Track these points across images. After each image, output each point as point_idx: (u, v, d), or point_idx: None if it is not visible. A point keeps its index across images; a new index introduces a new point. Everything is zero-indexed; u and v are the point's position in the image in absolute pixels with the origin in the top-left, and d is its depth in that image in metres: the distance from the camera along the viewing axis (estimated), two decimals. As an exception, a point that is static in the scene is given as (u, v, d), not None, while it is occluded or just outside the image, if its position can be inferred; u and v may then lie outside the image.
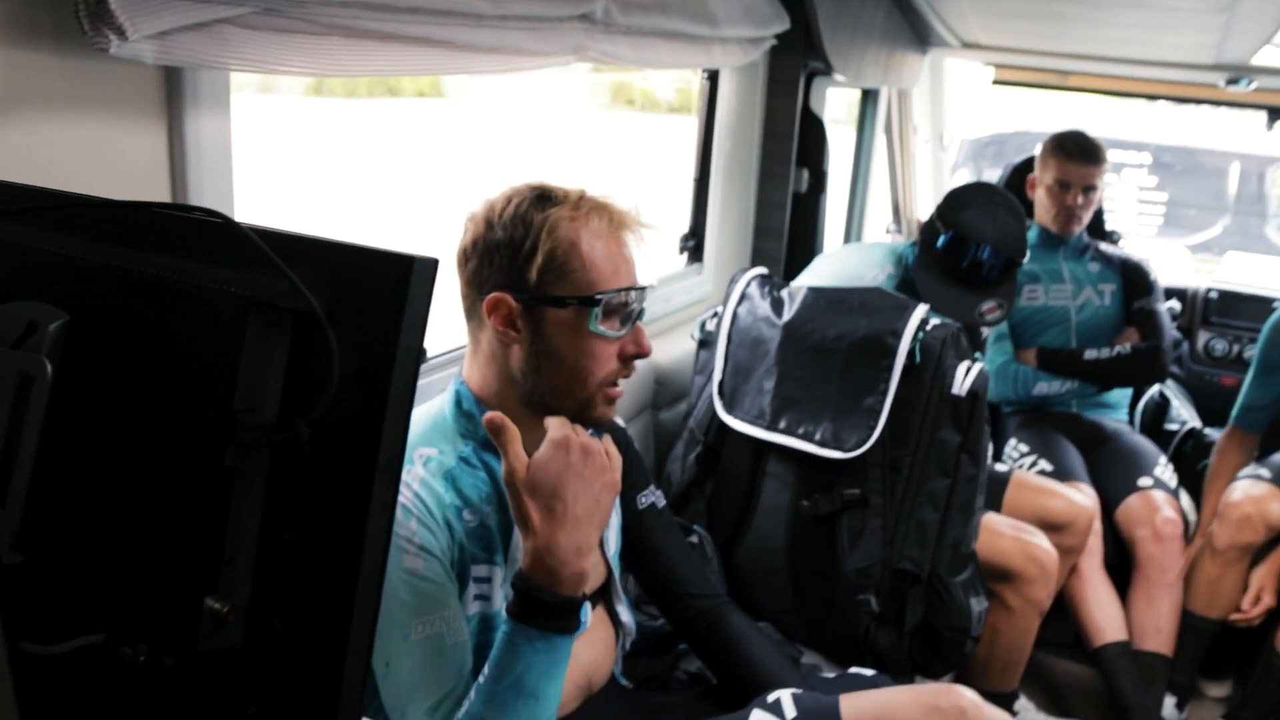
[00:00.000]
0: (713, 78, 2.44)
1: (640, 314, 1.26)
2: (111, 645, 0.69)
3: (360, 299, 0.63)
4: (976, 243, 2.10)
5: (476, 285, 1.23)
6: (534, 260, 1.18)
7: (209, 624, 0.65)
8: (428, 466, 1.20)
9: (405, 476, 1.17)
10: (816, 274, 2.34)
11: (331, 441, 0.64)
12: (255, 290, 0.64)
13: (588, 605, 1.37)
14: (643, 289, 1.25)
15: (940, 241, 2.14)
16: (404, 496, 1.16)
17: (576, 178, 1.28)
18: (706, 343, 2.01)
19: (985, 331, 2.44)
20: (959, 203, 2.17)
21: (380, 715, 1.17)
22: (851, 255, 2.44)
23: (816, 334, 1.82)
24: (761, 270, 2.03)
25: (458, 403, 1.27)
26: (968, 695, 1.31)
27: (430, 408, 1.30)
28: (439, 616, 1.14)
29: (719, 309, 2.00)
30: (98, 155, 1.10)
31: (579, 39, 1.67)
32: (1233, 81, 2.92)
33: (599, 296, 1.20)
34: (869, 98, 3.34)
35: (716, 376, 1.93)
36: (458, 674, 1.15)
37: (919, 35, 3.20)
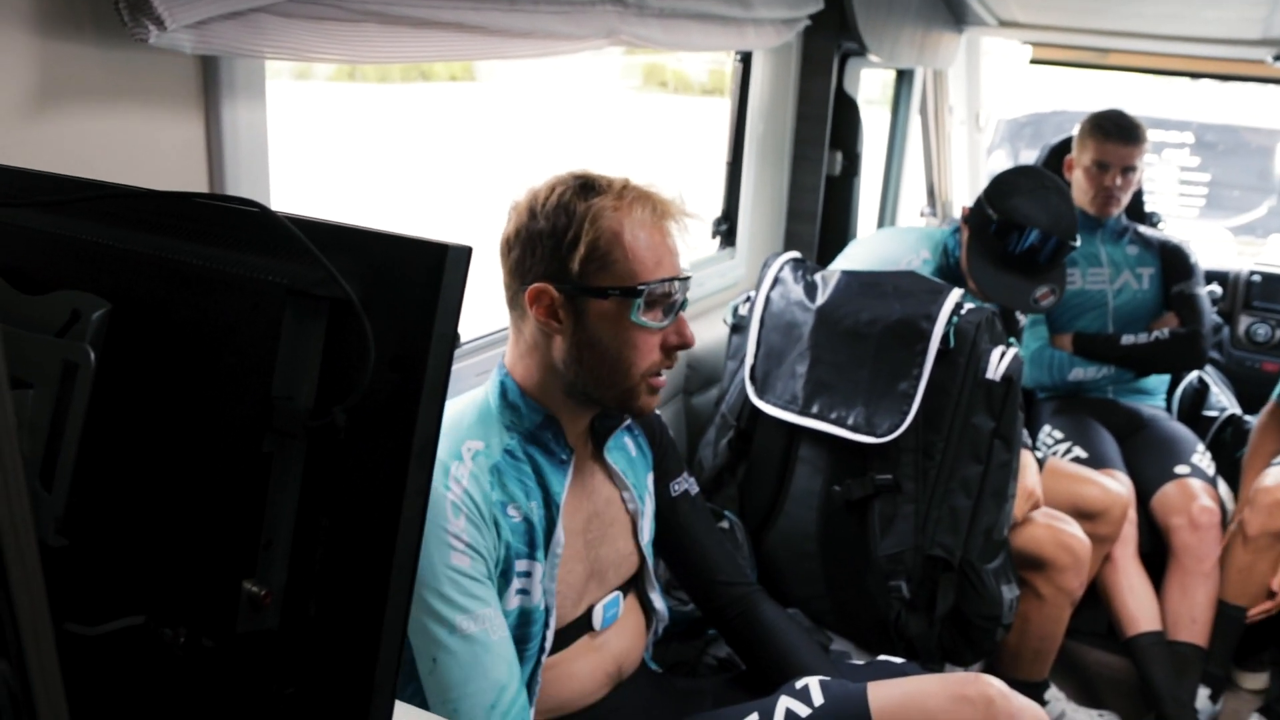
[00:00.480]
0: (746, 60, 2.42)
1: (683, 304, 1.25)
2: (152, 627, 0.71)
3: (395, 287, 0.64)
4: (1031, 228, 2.08)
5: (519, 275, 1.22)
6: (576, 250, 1.17)
7: (247, 607, 0.67)
8: (476, 461, 1.20)
9: (455, 471, 1.17)
10: (851, 259, 2.33)
11: (367, 428, 0.64)
12: (292, 279, 0.65)
13: (619, 595, 1.38)
14: (686, 279, 1.24)
15: (993, 228, 2.11)
16: (454, 493, 1.16)
17: (610, 160, 1.28)
18: (739, 327, 2.01)
19: (1021, 319, 2.43)
20: (1009, 188, 2.14)
21: (414, 701, 1.18)
22: (887, 240, 2.42)
23: (850, 318, 1.81)
24: (795, 254, 2.02)
25: (503, 393, 1.27)
26: (995, 684, 1.30)
27: (475, 397, 1.29)
28: (483, 614, 1.15)
29: (752, 293, 2.00)
30: (137, 144, 1.11)
31: (612, 22, 1.66)
32: (1280, 57, 2.85)
33: (641, 287, 1.19)
34: (904, 78, 3.31)
35: (749, 361, 1.93)
36: (509, 669, 1.16)
37: (955, 14, 3.15)
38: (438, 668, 1.13)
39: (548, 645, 1.27)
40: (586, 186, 1.20)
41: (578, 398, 1.26)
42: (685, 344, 1.25)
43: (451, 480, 1.17)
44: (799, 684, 1.30)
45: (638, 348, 1.21)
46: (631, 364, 1.22)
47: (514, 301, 1.25)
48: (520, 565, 1.22)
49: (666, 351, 1.24)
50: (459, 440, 1.21)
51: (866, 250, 2.35)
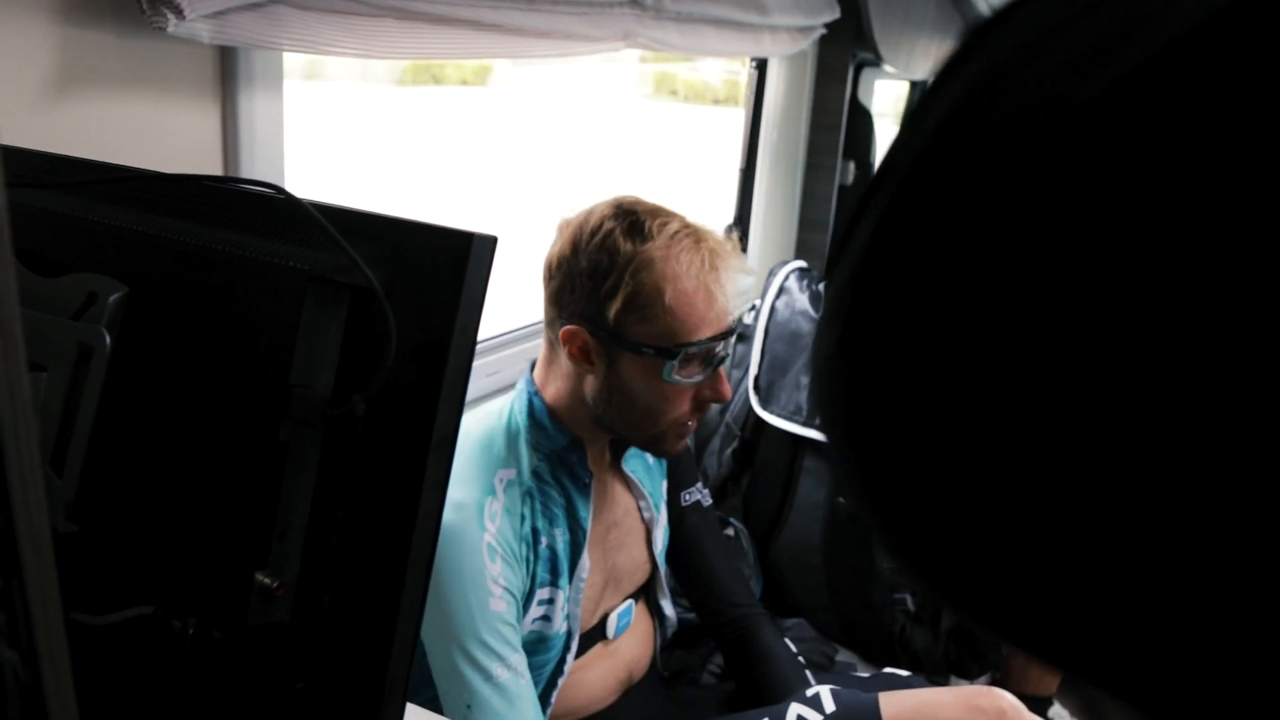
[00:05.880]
0: (761, 67, 2.42)
1: (724, 359, 1.18)
2: (161, 617, 0.69)
3: (418, 276, 0.63)
4: None
5: (557, 305, 1.17)
6: (615, 299, 1.11)
7: (258, 599, 0.65)
8: (509, 493, 1.16)
9: (490, 508, 1.13)
10: None
11: (386, 418, 0.63)
12: (313, 265, 0.64)
13: (631, 603, 1.37)
14: (728, 335, 1.16)
15: None
16: (489, 534, 1.12)
17: (617, 165, 1.27)
18: (744, 336, 2.00)
19: None
20: None
21: (419, 698, 1.17)
22: None
23: (859, 328, 1.80)
24: (800, 263, 2.01)
25: (530, 411, 1.22)
26: (1008, 698, 1.29)
27: (496, 414, 1.24)
28: (515, 660, 1.13)
29: (757, 302, 1.99)
30: (154, 133, 1.11)
31: (629, 25, 1.66)
32: None
33: (676, 349, 1.12)
34: (917, 90, 3.30)
35: (753, 371, 1.92)
36: (535, 711, 1.14)
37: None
38: (472, 714, 1.11)
39: (566, 668, 1.25)
40: (635, 226, 1.11)
41: (603, 429, 1.23)
42: (720, 399, 1.19)
43: (487, 519, 1.12)
44: (810, 691, 1.28)
45: (669, 400, 1.16)
46: (661, 415, 1.17)
47: (551, 325, 1.20)
48: (542, 594, 1.20)
49: (699, 404, 1.19)
50: (492, 470, 1.16)
51: None
